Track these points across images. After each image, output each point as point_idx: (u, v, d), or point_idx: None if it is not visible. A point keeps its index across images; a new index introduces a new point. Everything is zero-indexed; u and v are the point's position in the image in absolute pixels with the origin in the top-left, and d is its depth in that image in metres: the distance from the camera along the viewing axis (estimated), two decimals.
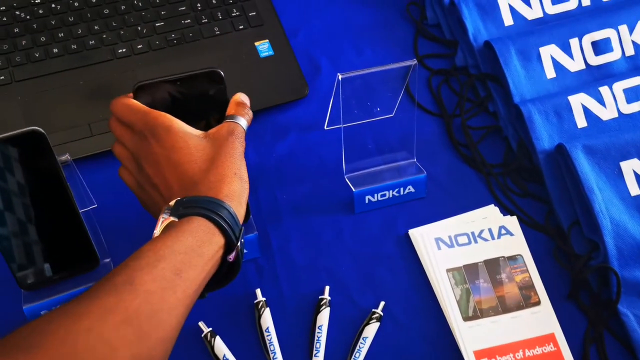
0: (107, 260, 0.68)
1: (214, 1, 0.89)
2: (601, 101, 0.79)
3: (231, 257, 0.56)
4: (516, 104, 0.79)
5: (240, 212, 0.57)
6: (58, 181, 0.62)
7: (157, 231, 0.55)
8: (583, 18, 0.85)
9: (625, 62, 0.84)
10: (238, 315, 0.68)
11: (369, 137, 0.80)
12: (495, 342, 0.67)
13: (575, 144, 0.73)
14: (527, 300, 0.70)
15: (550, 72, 0.82)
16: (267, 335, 0.67)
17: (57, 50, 0.83)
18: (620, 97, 0.79)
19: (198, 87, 0.62)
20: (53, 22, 0.85)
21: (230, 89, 0.63)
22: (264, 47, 0.86)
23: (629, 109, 0.79)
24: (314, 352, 0.66)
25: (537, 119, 0.77)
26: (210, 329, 0.67)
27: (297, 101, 0.84)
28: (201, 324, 0.67)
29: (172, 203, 0.56)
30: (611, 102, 0.79)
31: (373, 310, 0.69)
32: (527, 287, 0.70)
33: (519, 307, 0.69)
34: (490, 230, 0.74)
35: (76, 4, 0.87)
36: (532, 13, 0.88)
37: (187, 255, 0.52)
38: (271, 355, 0.66)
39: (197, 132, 0.60)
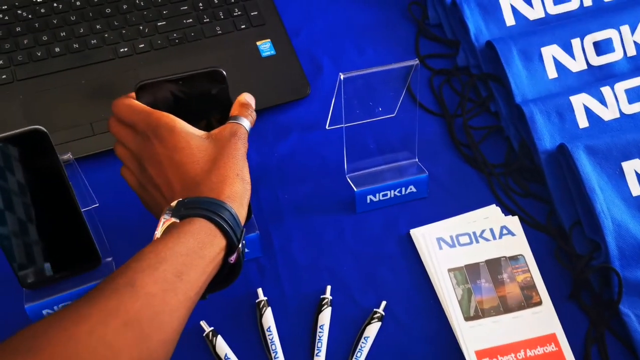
0: (109, 259, 0.68)
1: (215, 1, 0.89)
2: (603, 101, 0.79)
3: (232, 258, 0.56)
4: (518, 104, 0.79)
5: (242, 213, 0.57)
6: (60, 180, 0.62)
7: (158, 232, 0.55)
8: (585, 18, 0.85)
9: (627, 62, 0.84)
10: (240, 314, 0.69)
11: (370, 137, 0.80)
12: (496, 342, 0.67)
13: (577, 144, 0.73)
14: (529, 300, 0.70)
15: (552, 72, 0.82)
16: (269, 335, 0.67)
17: (59, 50, 0.83)
18: (622, 98, 0.79)
19: (200, 87, 0.62)
20: (55, 21, 0.85)
21: (231, 89, 0.63)
22: (265, 46, 0.86)
23: (630, 109, 0.79)
24: (316, 351, 0.66)
25: (538, 119, 0.77)
26: (212, 328, 0.67)
27: (299, 101, 0.84)
28: (203, 323, 0.67)
29: (173, 204, 0.56)
30: (613, 103, 0.79)
31: (374, 310, 0.69)
32: (528, 287, 0.70)
33: (520, 307, 0.69)
34: (491, 230, 0.74)
35: (78, 3, 0.87)
36: (533, 13, 0.88)
37: (188, 257, 0.52)
38: (272, 355, 0.66)
39: (200, 133, 0.60)
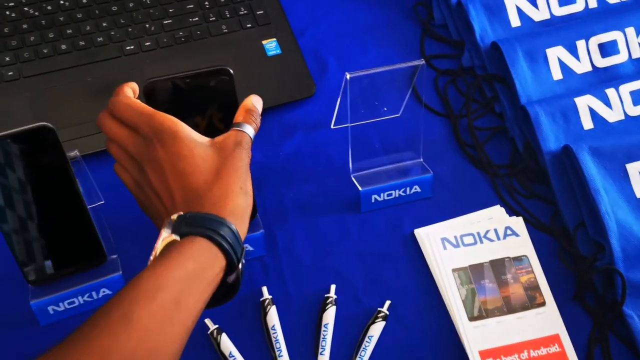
0: (114, 256, 0.69)
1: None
2: (607, 103, 0.79)
3: (231, 278, 0.55)
4: (523, 105, 0.79)
5: (243, 229, 0.56)
6: (67, 177, 0.62)
7: (158, 247, 0.53)
8: (590, 20, 0.85)
9: (631, 64, 0.84)
10: (244, 312, 0.69)
11: (375, 137, 0.80)
12: (500, 342, 0.67)
13: (582, 145, 0.73)
14: (533, 300, 0.70)
15: (556, 74, 0.82)
16: (273, 333, 0.67)
17: (65, 47, 0.83)
18: (627, 99, 0.79)
19: (207, 85, 0.63)
20: (61, 19, 0.85)
21: (237, 88, 0.63)
22: (271, 45, 0.87)
23: (635, 111, 0.79)
24: (320, 350, 0.66)
25: (543, 120, 0.77)
26: (217, 326, 0.67)
27: (304, 100, 0.84)
28: (207, 321, 0.67)
29: (174, 217, 0.54)
30: (617, 104, 0.79)
31: (378, 309, 0.69)
32: (532, 288, 0.71)
33: (524, 308, 0.69)
34: (495, 230, 0.74)
35: (84, 0, 0.87)
36: (539, 14, 0.88)
37: (187, 282, 0.50)
38: (277, 353, 0.66)
39: (204, 140, 0.58)
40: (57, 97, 0.80)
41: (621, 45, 0.84)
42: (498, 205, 0.77)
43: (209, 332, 0.67)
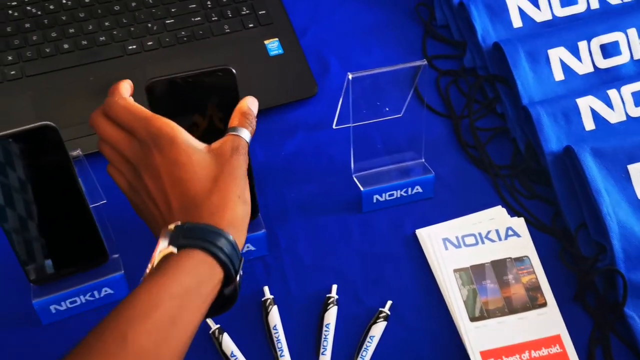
0: (116, 255, 0.69)
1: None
2: (609, 104, 0.79)
3: (228, 290, 0.54)
4: (524, 105, 0.79)
5: (241, 239, 0.55)
6: (69, 176, 0.62)
7: (155, 258, 0.52)
8: (592, 21, 0.85)
9: (633, 65, 0.84)
10: (246, 312, 0.69)
11: (377, 137, 0.80)
12: (501, 342, 0.67)
13: (584, 146, 0.73)
14: (534, 301, 0.70)
15: (558, 75, 0.82)
16: (275, 333, 0.67)
17: (67, 46, 0.83)
18: (629, 100, 0.79)
19: (209, 85, 0.63)
20: (64, 18, 0.85)
21: (239, 87, 0.63)
22: (273, 45, 0.87)
23: (637, 112, 0.79)
24: (321, 350, 0.66)
25: (545, 121, 0.77)
26: (218, 325, 0.67)
27: (306, 100, 0.84)
28: (209, 321, 0.67)
29: (171, 227, 0.53)
30: (619, 105, 0.79)
31: (380, 309, 0.69)
32: (533, 289, 0.71)
33: (525, 308, 0.69)
34: (497, 231, 0.74)
35: (87, 0, 0.87)
36: (540, 15, 0.88)
37: (184, 297, 0.49)
38: (278, 353, 0.66)
39: (201, 146, 0.57)
40: (59, 96, 0.80)
41: (623, 46, 0.84)
42: (499, 206, 0.77)
43: (210, 332, 0.67)
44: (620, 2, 0.89)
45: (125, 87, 0.61)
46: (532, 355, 0.67)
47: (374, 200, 0.76)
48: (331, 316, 0.68)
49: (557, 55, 0.83)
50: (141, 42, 0.85)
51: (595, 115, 0.79)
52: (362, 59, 0.89)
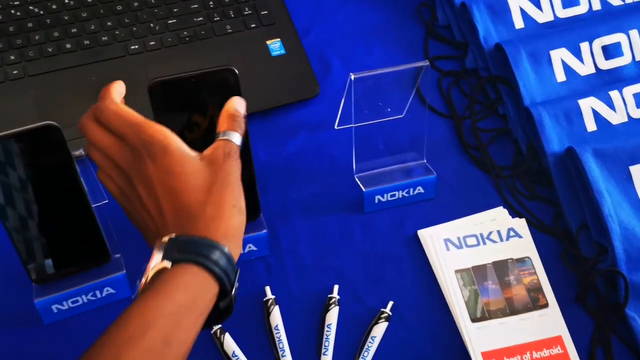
0: (118, 255, 0.69)
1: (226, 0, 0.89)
2: (611, 105, 0.79)
3: (224, 303, 0.53)
4: (526, 106, 0.79)
5: (237, 251, 0.54)
6: (72, 176, 0.62)
7: (149, 272, 0.51)
8: (594, 22, 0.85)
9: (635, 66, 0.84)
10: (247, 312, 0.69)
11: (379, 138, 0.80)
12: (502, 343, 0.67)
13: (585, 147, 0.73)
14: (535, 302, 0.70)
15: (560, 76, 0.82)
16: (276, 333, 0.67)
17: (70, 46, 0.83)
18: (630, 102, 0.79)
19: (212, 85, 0.62)
20: (66, 18, 0.85)
21: (241, 88, 0.63)
22: (275, 45, 0.87)
23: (638, 113, 0.79)
24: (323, 350, 0.66)
25: (547, 122, 0.77)
26: (220, 325, 0.67)
27: (308, 100, 0.84)
28: None
29: (165, 239, 0.52)
30: (621, 107, 0.79)
31: (381, 310, 0.69)
32: (535, 290, 0.71)
33: (526, 309, 0.69)
34: (499, 232, 0.74)
35: (89, 0, 0.87)
36: (542, 16, 0.88)
37: (177, 316, 0.48)
38: (280, 353, 0.66)
39: (194, 154, 0.55)
40: (61, 96, 0.80)
41: (625, 48, 0.84)
42: (501, 207, 0.77)
43: (212, 332, 0.67)
44: (622, 3, 0.89)
45: (117, 90, 0.59)
46: (533, 356, 0.67)
47: (376, 201, 0.76)
48: (333, 316, 0.68)
49: (559, 56, 0.83)
50: (143, 42, 0.85)
51: (597, 116, 0.79)
52: (364, 60, 0.89)
